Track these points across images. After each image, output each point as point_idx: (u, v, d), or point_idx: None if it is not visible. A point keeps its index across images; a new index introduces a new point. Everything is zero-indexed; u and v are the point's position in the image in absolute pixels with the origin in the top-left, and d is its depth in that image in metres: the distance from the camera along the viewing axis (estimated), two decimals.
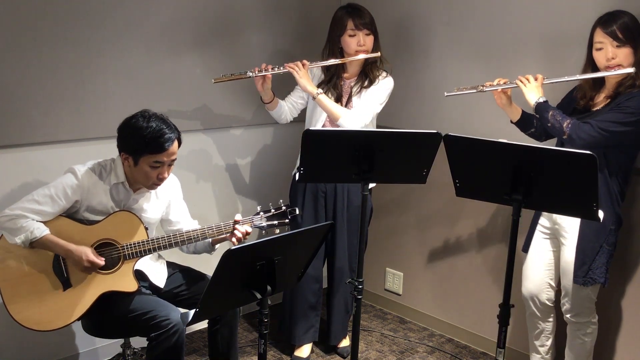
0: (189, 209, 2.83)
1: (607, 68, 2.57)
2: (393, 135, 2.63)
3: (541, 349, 2.99)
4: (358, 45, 3.03)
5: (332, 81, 3.14)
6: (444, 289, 3.69)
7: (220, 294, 2.10)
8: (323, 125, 3.15)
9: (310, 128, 2.91)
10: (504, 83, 2.77)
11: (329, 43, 3.13)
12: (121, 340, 2.88)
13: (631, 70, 2.53)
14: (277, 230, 2.66)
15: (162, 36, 3.15)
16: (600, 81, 2.68)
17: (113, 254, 2.50)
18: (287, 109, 3.29)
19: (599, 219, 2.36)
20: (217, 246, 2.74)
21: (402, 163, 2.61)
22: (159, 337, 2.45)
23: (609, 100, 2.63)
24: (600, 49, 2.58)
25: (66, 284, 2.46)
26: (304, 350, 3.37)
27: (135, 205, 2.59)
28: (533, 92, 2.67)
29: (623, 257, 2.91)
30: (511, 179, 2.29)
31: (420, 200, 3.72)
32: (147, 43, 3.10)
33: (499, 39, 3.24)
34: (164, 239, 2.54)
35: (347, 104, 3.13)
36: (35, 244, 2.40)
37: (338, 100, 3.13)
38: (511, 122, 2.88)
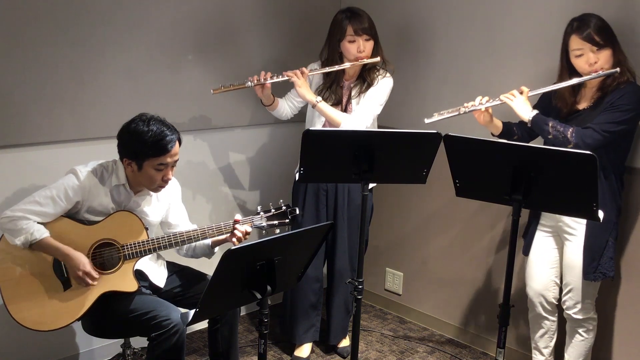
0: (189, 210, 2.83)
1: (590, 72, 2.59)
2: (393, 135, 2.63)
3: (545, 350, 2.98)
4: (358, 52, 3.02)
5: (332, 86, 3.14)
6: (444, 289, 3.69)
7: (220, 294, 2.10)
8: (323, 125, 3.15)
9: (311, 128, 2.91)
10: (487, 101, 2.76)
11: (328, 47, 3.12)
12: (121, 341, 2.88)
13: (616, 70, 2.56)
14: (278, 230, 2.66)
15: (162, 36, 3.15)
16: (580, 85, 2.69)
17: (113, 254, 2.50)
18: (287, 107, 3.30)
19: (599, 218, 2.36)
20: (216, 249, 2.74)
21: (402, 163, 2.62)
22: (160, 337, 2.45)
23: (594, 100, 2.66)
24: (580, 55, 2.59)
25: (66, 284, 2.46)
26: (304, 350, 3.37)
27: (136, 207, 2.59)
28: (524, 107, 2.69)
29: (620, 254, 2.92)
30: (511, 179, 2.29)
31: (420, 200, 3.72)
32: (147, 43, 3.10)
33: (499, 41, 3.24)
34: (164, 239, 2.54)
35: (347, 107, 3.13)
36: (34, 246, 2.40)
37: (338, 103, 3.13)
38: (492, 135, 2.90)
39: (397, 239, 3.88)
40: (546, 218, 2.84)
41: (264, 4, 3.54)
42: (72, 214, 2.51)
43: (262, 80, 3.04)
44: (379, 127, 3.30)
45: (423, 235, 3.75)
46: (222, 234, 2.60)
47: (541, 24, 3.06)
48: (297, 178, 3.25)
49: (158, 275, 2.70)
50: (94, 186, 2.50)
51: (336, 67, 3.06)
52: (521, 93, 2.71)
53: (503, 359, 2.44)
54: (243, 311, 3.77)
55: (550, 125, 2.62)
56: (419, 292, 3.83)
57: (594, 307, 2.81)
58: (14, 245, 2.40)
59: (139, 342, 2.88)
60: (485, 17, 3.28)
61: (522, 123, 2.86)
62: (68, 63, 2.86)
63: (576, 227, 2.71)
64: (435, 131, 2.49)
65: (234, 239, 2.58)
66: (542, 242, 2.87)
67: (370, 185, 3.24)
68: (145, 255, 2.54)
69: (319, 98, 3.05)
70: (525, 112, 2.68)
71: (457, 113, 2.78)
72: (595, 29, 2.54)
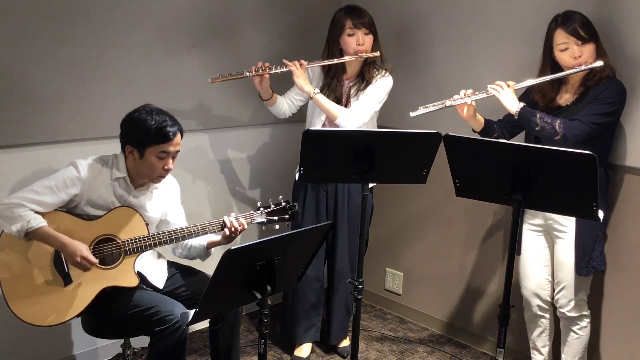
0: (189, 208, 2.83)
1: (574, 66, 2.63)
2: (393, 135, 2.63)
3: (543, 350, 2.99)
4: (357, 45, 3.02)
5: (331, 84, 3.14)
6: (444, 289, 3.69)
7: (220, 294, 2.10)
8: (323, 125, 3.15)
9: (311, 128, 2.92)
10: (472, 94, 2.77)
11: (328, 44, 3.13)
12: (121, 341, 2.88)
13: (600, 63, 2.60)
14: (277, 226, 2.66)
15: (161, 36, 3.15)
16: (560, 79, 2.74)
17: (114, 250, 2.50)
18: (286, 105, 3.29)
19: (599, 218, 2.37)
20: (212, 250, 2.73)
21: (402, 163, 2.62)
22: (163, 332, 2.44)
23: (577, 95, 2.70)
24: (565, 49, 2.64)
25: (67, 279, 2.46)
26: (304, 350, 3.37)
27: (135, 201, 2.59)
28: (511, 99, 2.71)
29: (609, 251, 2.93)
30: (511, 179, 2.29)
31: (420, 200, 3.72)
32: (147, 43, 3.10)
33: (499, 40, 3.24)
34: (165, 235, 2.54)
35: (346, 106, 3.13)
36: (30, 235, 2.40)
37: (337, 102, 3.13)
38: (473, 131, 2.91)
39: (397, 239, 3.88)
40: (534, 217, 2.85)
41: (262, 5, 3.53)
42: (71, 209, 2.51)
43: (261, 70, 3.04)
44: (378, 127, 3.30)
45: (423, 236, 3.75)
46: (222, 229, 2.60)
47: (541, 22, 3.05)
48: (297, 178, 3.27)
49: (157, 275, 2.69)
50: (93, 178, 2.50)
51: (335, 60, 3.06)
52: (508, 86, 2.73)
53: (503, 359, 2.44)
54: (243, 311, 3.76)
55: (538, 116, 2.65)
56: (419, 292, 3.83)
57: (587, 304, 2.83)
58: (14, 240, 2.40)
59: (139, 342, 2.88)
60: (484, 16, 3.28)
61: (502, 122, 2.89)
62: (68, 63, 2.87)
63: (566, 225, 2.73)
64: (435, 131, 2.49)
65: (226, 230, 2.58)
66: (533, 241, 2.88)
67: (370, 185, 3.25)
68: (146, 250, 2.54)
69: (317, 89, 3.05)
70: (513, 104, 2.70)
71: (442, 106, 2.78)
72: (579, 24, 2.61)
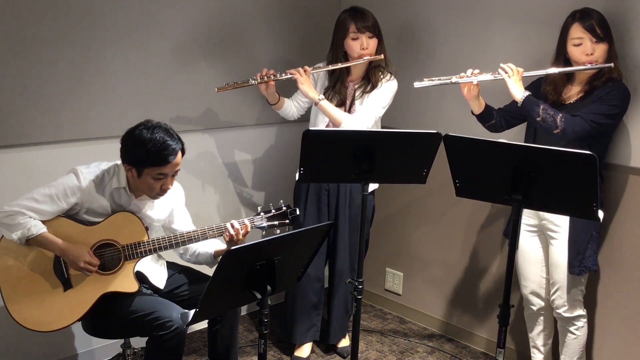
0: (193, 209, 2.82)
1: (584, 63, 2.63)
2: (393, 135, 2.63)
3: (543, 348, 3.00)
4: (361, 49, 3.02)
5: (336, 86, 3.14)
6: (444, 289, 3.69)
7: (220, 294, 2.10)
8: (327, 126, 3.15)
9: (311, 128, 2.92)
10: (478, 74, 2.78)
11: (332, 47, 3.13)
12: (121, 341, 2.88)
13: (610, 64, 2.60)
14: (278, 231, 2.65)
15: (163, 36, 3.15)
16: (570, 75, 2.75)
17: (114, 255, 2.50)
18: (294, 107, 3.31)
19: (599, 218, 2.37)
20: (219, 259, 2.72)
21: (402, 163, 2.61)
22: (162, 337, 2.44)
23: (582, 93, 2.70)
24: (578, 45, 2.64)
25: (66, 285, 2.46)
26: (304, 350, 3.37)
27: (137, 211, 2.58)
28: (517, 86, 2.71)
29: (602, 250, 2.94)
30: (511, 179, 2.29)
31: (420, 200, 3.72)
32: (148, 43, 3.10)
33: (500, 41, 3.24)
34: (165, 240, 2.54)
35: (351, 108, 3.13)
36: (31, 242, 2.40)
37: (342, 104, 3.13)
38: (472, 113, 2.91)
39: (397, 239, 3.88)
40: (530, 217, 2.86)
41: (267, 4, 3.54)
42: (71, 215, 2.50)
43: (265, 77, 3.04)
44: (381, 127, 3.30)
45: (423, 235, 3.75)
46: (222, 234, 2.60)
47: (541, 23, 3.06)
48: (297, 178, 3.27)
49: (158, 276, 2.69)
50: (93, 188, 2.49)
51: (339, 65, 3.06)
52: (517, 72, 2.73)
53: (503, 359, 2.44)
54: (243, 311, 3.77)
55: (541, 107, 2.66)
56: (419, 292, 3.83)
57: (583, 304, 2.83)
58: (14, 245, 2.40)
59: (139, 342, 2.88)
60: (485, 17, 3.28)
61: (501, 110, 2.88)
62: (68, 63, 2.86)
63: (560, 225, 2.74)
64: (435, 131, 2.49)
65: (225, 234, 2.56)
66: (529, 241, 2.89)
67: (372, 188, 3.25)
68: (146, 255, 2.54)
69: (322, 96, 3.05)
70: (518, 91, 2.70)
71: (448, 81, 2.80)
72: (597, 21, 2.61)
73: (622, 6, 2.78)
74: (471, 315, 3.59)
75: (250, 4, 3.47)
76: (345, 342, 3.46)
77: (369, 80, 3.11)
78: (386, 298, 4.00)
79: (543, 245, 2.88)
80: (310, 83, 3.06)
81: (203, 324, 3.24)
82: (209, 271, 2.61)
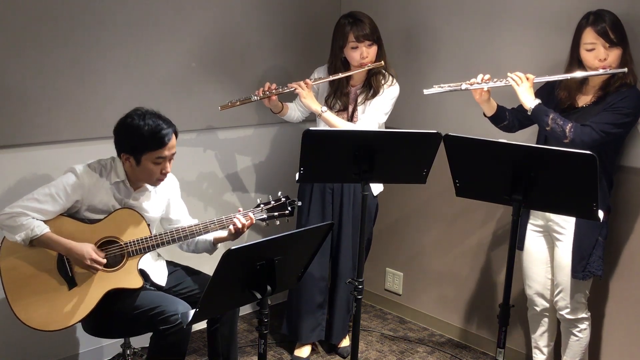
0: (193, 208, 2.83)
1: (598, 68, 2.58)
2: (393, 135, 2.63)
3: (545, 349, 2.99)
4: (361, 58, 3.01)
5: (337, 92, 3.14)
6: (444, 289, 3.69)
7: (220, 294, 2.10)
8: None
9: (311, 128, 2.91)
10: (488, 80, 2.75)
11: (332, 55, 3.12)
12: (121, 340, 2.88)
13: (624, 70, 2.55)
14: (278, 222, 2.66)
15: (164, 36, 3.14)
16: (584, 80, 2.69)
17: (116, 252, 2.50)
18: (297, 112, 3.32)
19: (599, 218, 2.36)
20: (218, 245, 2.74)
21: (402, 163, 2.61)
22: (167, 330, 2.45)
23: (595, 98, 2.66)
24: (591, 50, 2.58)
25: (71, 283, 2.46)
26: (304, 350, 3.37)
27: (135, 203, 2.59)
28: (527, 94, 2.67)
29: (610, 253, 2.93)
30: (511, 179, 2.29)
31: (420, 200, 3.72)
32: (149, 43, 3.10)
33: (500, 41, 3.24)
34: (167, 235, 2.55)
35: (353, 113, 3.13)
36: (35, 242, 2.40)
37: (344, 109, 3.13)
38: (484, 115, 2.90)
39: (397, 239, 3.88)
40: (536, 217, 2.85)
41: (269, 14, 3.53)
42: (72, 213, 2.51)
43: (267, 92, 3.05)
44: None
45: (423, 236, 3.75)
46: (224, 227, 2.60)
47: (542, 25, 3.06)
48: (297, 178, 3.27)
49: (159, 273, 2.70)
50: (93, 184, 2.50)
51: (339, 76, 3.05)
52: (527, 79, 2.69)
53: (503, 359, 2.44)
54: (243, 311, 3.77)
55: (550, 117, 2.61)
56: (419, 292, 3.83)
57: (587, 307, 2.82)
58: (18, 245, 2.40)
59: (139, 342, 2.88)
60: (486, 19, 3.28)
61: (514, 110, 2.87)
62: (68, 63, 2.86)
63: (566, 227, 2.73)
64: (435, 131, 2.49)
65: (231, 227, 2.58)
66: (535, 241, 2.88)
67: (377, 192, 3.25)
68: (149, 251, 2.54)
69: (324, 108, 3.05)
70: (528, 100, 2.67)
71: (457, 88, 2.78)
72: (610, 25, 2.54)
73: (639, 6, 2.73)
74: (471, 315, 3.59)
75: (252, 13, 3.46)
76: (346, 342, 3.46)
77: (371, 86, 3.10)
78: (386, 298, 4.00)
79: (549, 246, 2.86)
80: (312, 96, 3.07)
81: (203, 324, 3.24)
82: (209, 270, 2.61)
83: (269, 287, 2.08)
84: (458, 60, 3.41)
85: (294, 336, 3.39)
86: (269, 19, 3.56)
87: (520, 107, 2.82)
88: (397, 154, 2.57)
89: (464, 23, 3.37)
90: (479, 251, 3.51)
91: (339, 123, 3.05)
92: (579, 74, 2.62)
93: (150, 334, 2.52)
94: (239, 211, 2.62)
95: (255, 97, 3.05)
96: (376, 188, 3.23)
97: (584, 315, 2.81)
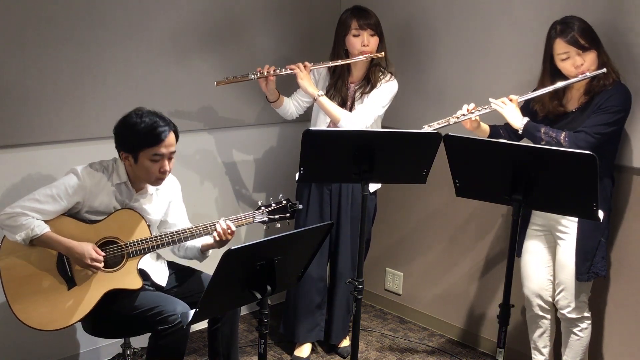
0: (194, 208, 2.82)
1: (577, 75, 2.60)
2: (393, 135, 2.63)
3: (544, 350, 2.99)
4: (362, 45, 3.02)
5: (337, 85, 3.14)
6: (444, 289, 3.69)
7: (220, 294, 2.10)
8: (328, 126, 3.15)
9: (311, 128, 2.92)
10: (474, 109, 2.77)
11: (334, 45, 3.13)
12: (121, 340, 2.88)
13: (603, 70, 2.57)
14: (278, 225, 2.66)
15: (164, 36, 3.15)
16: (564, 89, 2.70)
17: (116, 252, 2.50)
18: (293, 106, 3.30)
19: (599, 218, 2.37)
20: (208, 253, 2.72)
21: (402, 163, 2.62)
22: (165, 331, 2.45)
23: (582, 103, 2.67)
24: (566, 59, 2.60)
25: (70, 283, 2.46)
26: (304, 350, 3.37)
27: (137, 205, 2.59)
28: (515, 114, 2.70)
29: (608, 252, 2.91)
30: (511, 179, 2.29)
31: (420, 200, 3.72)
32: (149, 43, 3.10)
33: (500, 42, 3.24)
34: (167, 236, 2.54)
35: (351, 109, 3.13)
36: (35, 242, 2.40)
37: (343, 104, 3.13)
38: None
39: (397, 239, 3.88)
40: (538, 217, 2.85)
41: (268, 8, 3.53)
42: (73, 214, 2.50)
43: (266, 73, 3.04)
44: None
45: (423, 235, 3.75)
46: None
47: (542, 24, 3.05)
48: (297, 178, 3.27)
49: (160, 274, 2.70)
50: (95, 185, 2.50)
51: (340, 62, 3.06)
52: (511, 100, 2.72)
53: (503, 359, 2.44)
54: (243, 311, 3.77)
55: (542, 131, 2.64)
56: (419, 292, 3.83)
57: (588, 306, 2.82)
58: (17, 245, 2.40)
59: (139, 342, 2.88)
60: (485, 19, 3.28)
61: (507, 125, 2.88)
62: (68, 63, 2.86)
63: (569, 226, 2.73)
64: (435, 131, 2.49)
65: (214, 234, 2.55)
66: (535, 241, 2.88)
67: (373, 189, 3.25)
68: (148, 252, 2.54)
69: (321, 92, 3.05)
70: (517, 120, 2.69)
71: (446, 124, 2.79)
72: (579, 32, 2.56)
73: (617, 9, 2.77)
74: (471, 315, 3.59)
75: (254, 9, 3.46)
76: (346, 342, 3.46)
77: (369, 80, 3.11)
78: (386, 298, 4.01)
79: (550, 246, 2.86)
80: (309, 79, 3.06)
81: (203, 324, 3.24)
82: (209, 271, 2.61)
83: (269, 287, 2.08)
84: (458, 60, 3.42)
85: (291, 336, 3.39)
86: (270, 9, 3.55)
87: None
88: (397, 154, 2.57)
89: (463, 23, 3.37)
90: (479, 251, 3.51)
91: (334, 109, 3.04)
92: (560, 84, 2.64)
93: (150, 334, 2.52)
94: (224, 220, 2.58)
95: (253, 76, 3.04)
96: (373, 185, 3.23)
97: (584, 314, 2.81)
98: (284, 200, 2.68)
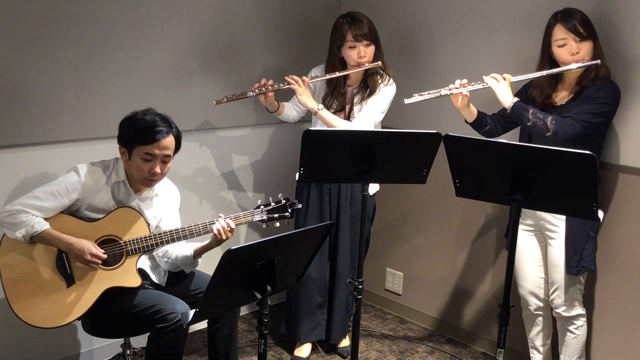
0: (190, 211, 2.82)
1: (571, 62, 2.63)
2: (393, 135, 2.63)
3: (542, 348, 3.00)
4: (359, 57, 3.01)
5: (335, 91, 3.14)
6: (444, 289, 3.69)
7: (220, 294, 2.10)
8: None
9: (311, 128, 2.92)
10: (466, 84, 2.79)
11: (330, 54, 3.12)
12: (121, 340, 2.88)
13: (597, 61, 2.60)
14: (278, 224, 2.66)
15: (164, 37, 3.14)
16: (557, 77, 2.75)
17: (116, 250, 2.50)
18: (293, 111, 3.32)
19: (599, 218, 2.37)
20: (199, 260, 2.68)
21: (402, 163, 2.62)
22: (164, 329, 2.45)
23: (572, 94, 2.70)
24: (563, 45, 2.64)
25: (70, 281, 2.46)
26: (304, 349, 3.37)
27: (134, 206, 2.58)
28: (505, 92, 2.71)
29: (603, 250, 2.94)
30: (511, 178, 2.29)
31: (420, 200, 3.72)
32: (149, 43, 3.10)
33: (499, 42, 3.24)
34: (167, 234, 2.54)
35: (350, 113, 3.13)
36: (35, 239, 2.40)
37: (342, 109, 3.13)
38: (466, 122, 2.92)
39: (397, 239, 3.88)
40: (527, 217, 2.86)
41: (265, 10, 3.53)
42: (73, 211, 2.51)
43: (264, 89, 3.05)
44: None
45: (423, 236, 3.75)
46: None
47: (543, 21, 3.05)
48: (297, 178, 3.27)
49: (159, 273, 2.70)
50: (94, 183, 2.50)
51: (337, 74, 3.05)
52: (504, 79, 2.74)
53: (503, 359, 2.44)
54: (243, 311, 3.77)
55: (530, 112, 2.66)
56: (419, 292, 3.83)
57: (582, 303, 2.83)
58: (16, 243, 2.41)
59: (139, 342, 2.88)
60: (484, 20, 3.28)
61: (496, 116, 2.89)
62: (69, 63, 2.87)
63: (558, 225, 2.74)
64: (435, 131, 2.49)
65: (215, 230, 2.53)
66: (526, 241, 2.89)
67: (373, 191, 3.25)
68: (148, 250, 2.54)
69: (321, 105, 3.05)
70: (507, 98, 2.70)
71: (437, 95, 2.80)
72: (579, 21, 2.62)
73: (605, 6, 2.80)
74: (471, 315, 3.59)
75: (250, 10, 3.46)
76: (346, 342, 3.46)
77: (367, 85, 3.10)
78: (386, 298, 4.01)
79: (541, 245, 2.88)
80: (309, 94, 3.07)
81: (203, 324, 3.24)
82: (209, 271, 2.61)
83: (269, 287, 2.08)
84: (457, 60, 3.41)
85: (292, 335, 3.39)
86: (268, 18, 3.56)
87: (501, 112, 2.86)
88: (397, 154, 2.57)
89: (462, 23, 3.37)
90: (479, 251, 3.51)
91: (335, 121, 3.05)
92: (554, 70, 2.68)
93: (149, 333, 2.52)
94: (223, 218, 2.57)
95: (252, 93, 3.05)
96: (372, 187, 3.23)
97: (579, 312, 2.82)
98: (284, 199, 2.68)
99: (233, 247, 1.94)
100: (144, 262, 2.62)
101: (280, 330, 3.44)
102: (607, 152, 2.88)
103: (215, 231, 2.53)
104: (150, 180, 2.53)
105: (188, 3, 3.21)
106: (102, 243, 2.49)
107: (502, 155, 2.32)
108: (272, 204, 2.67)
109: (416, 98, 2.81)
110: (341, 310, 3.39)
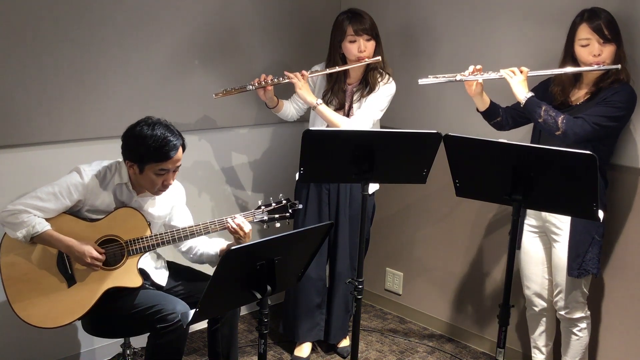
0: (192, 209, 2.82)
1: (592, 64, 2.60)
2: (393, 135, 2.63)
3: (544, 349, 2.99)
4: (359, 52, 3.01)
5: (335, 88, 3.14)
6: (444, 289, 3.69)
7: (220, 294, 2.10)
8: (327, 126, 3.15)
9: (311, 128, 2.92)
10: (481, 70, 2.77)
11: (330, 50, 3.12)
12: (121, 340, 2.88)
13: (618, 66, 2.57)
14: (278, 224, 2.66)
15: (164, 37, 3.14)
16: (578, 76, 2.72)
17: (117, 250, 2.50)
18: (292, 109, 3.31)
19: (599, 218, 2.37)
20: None
21: (402, 163, 2.62)
22: (165, 329, 2.45)
23: (589, 95, 2.67)
24: (586, 45, 2.61)
25: (71, 281, 2.46)
26: (304, 349, 3.37)
27: (137, 206, 2.59)
28: (521, 87, 2.69)
29: (607, 252, 2.93)
30: (511, 179, 2.29)
31: (420, 200, 3.72)
32: (149, 43, 3.10)
33: (499, 41, 3.24)
34: (167, 234, 2.55)
35: (349, 111, 3.13)
36: (36, 239, 2.41)
37: (341, 106, 3.13)
38: (477, 110, 2.90)
39: (397, 239, 3.88)
40: (532, 218, 2.85)
41: (266, 8, 3.53)
42: (74, 212, 2.51)
43: (263, 82, 3.05)
44: (380, 127, 3.30)
45: (423, 235, 3.75)
46: (225, 227, 2.60)
47: (548, 21, 3.05)
48: (297, 178, 3.27)
49: (159, 274, 2.70)
50: (96, 185, 2.50)
51: (337, 69, 3.05)
52: (521, 72, 2.71)
53: (503, 359, 2.44)
54: (243, 311, 3.77)
55: (543, 108, 2.63)
56: (419, 292, 3.83)
57: (586, 306, 2.82)
58: (17, 243, 2.41)
59: (139, 342, 2.88)
60: (485, 18, 3.28)
61: (508, 109, 2.88)
62: (69, 63, 2.86)
63: (562, 227, 2.73)
64: (435, 131, 2.49)
65: (230, 224, 2.56)
66: (532, 242, 2.88)
67: (373, 190, 3.25)
68: (149, 250, 2.55)
69: (320, 100, 3.05)
70: (522, 92, 2.68)
71: (452, 79, 2.79)
72: (605, 22, 2.57)
73: (634, 7, 2.75)
74: (471, 315, 3.59)
75: (250, 7, 3.46)
76: (345, 342, 3.46)
77: (367, 83, 3.10)
78: (386, 298, 4.01)
79: (546, 247, 2.87)
80: (308, 88, 3.06)
81: (203, 324, 3.24)
82: (209, 270, 2.61)
83: (269, 287, 2.08)
84: (456, 59, 3.41)
85: (290, 335, 3.39)
86: (268, 16, 3.55)
87: (515, 105, 2.83)
88: (397, 154, 2.57)
89: (462, 20, 3.37)
90: (479, 251, 3.51)
91: (334, 117, 3.05)
92: (572, 69, 2.65)
93: (149, 333, 2.52)
94: (232, 218, 2.59)
95: (251, 87, 3.05)
96: (372, 186, 3.23)
97: (583, 314, 2.81)
98: (284, 199, 2.68)
99: (233, 247, 1.94)
100: (145, 262, 2.62)
101: (279, 330, 3.45)
102: (625, 155, 2.83)
103: (232, 227, 2.56)
104: (162, 190, 2.55)
105: (187, 2, 3.21)
106: (103, 243, 2.50)
107: (502, 155, 2.32)
108: (273, 204, 2.67)
109: (430, 80, 2.80)
110: (341, 311, 3.39)
